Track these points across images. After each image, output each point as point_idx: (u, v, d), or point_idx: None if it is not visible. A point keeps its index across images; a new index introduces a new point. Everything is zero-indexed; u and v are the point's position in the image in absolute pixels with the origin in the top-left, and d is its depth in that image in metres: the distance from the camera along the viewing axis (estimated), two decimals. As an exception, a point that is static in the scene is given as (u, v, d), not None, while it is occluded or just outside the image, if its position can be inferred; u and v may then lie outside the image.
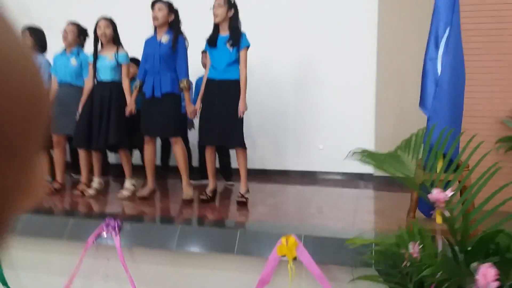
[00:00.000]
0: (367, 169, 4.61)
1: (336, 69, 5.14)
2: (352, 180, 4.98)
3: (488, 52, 3.25)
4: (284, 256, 2.29)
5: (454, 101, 2.34)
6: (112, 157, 5.15)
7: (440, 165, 2.11)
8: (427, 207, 2.45)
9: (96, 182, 3.81)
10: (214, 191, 3.57)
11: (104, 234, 2.58)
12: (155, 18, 3.42)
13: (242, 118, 3.36)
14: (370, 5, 4.99)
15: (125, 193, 3.65)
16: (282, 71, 5.34)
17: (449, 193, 1.50)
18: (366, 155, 2.03)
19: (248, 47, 3.38)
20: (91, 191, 3.70)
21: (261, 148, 5.42)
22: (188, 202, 3.44)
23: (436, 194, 1.50)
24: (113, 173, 4.76)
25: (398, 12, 4.81)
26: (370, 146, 4.92)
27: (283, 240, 2.30)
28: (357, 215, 3.14)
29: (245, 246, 2.47)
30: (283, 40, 5.28)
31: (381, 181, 4.60)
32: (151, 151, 3.58)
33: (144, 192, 3.60)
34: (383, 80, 4.92)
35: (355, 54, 5.08)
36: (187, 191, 3.50)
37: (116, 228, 2.55)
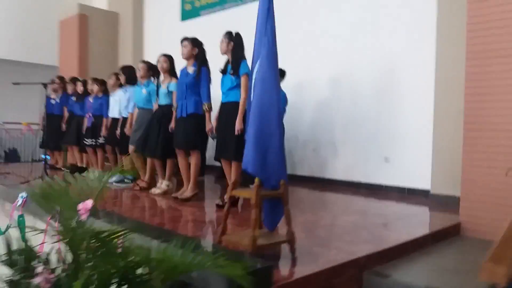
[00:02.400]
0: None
1: (411, 76, 5.25)
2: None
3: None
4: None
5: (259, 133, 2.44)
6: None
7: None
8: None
9: (164, 184, 4.86)
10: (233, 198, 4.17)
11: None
12: (182, 53, 4.31)
13: (239, 135, 3.86)
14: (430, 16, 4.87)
15: (156, 190, 4.66)
16: (363, 80, 5.73)
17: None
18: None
19: (247, 73, 3.88)
20: (158, 190, 4.77)
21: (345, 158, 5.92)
22: (185, 201, 4.23)
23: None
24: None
25: (456, 22, 4.51)
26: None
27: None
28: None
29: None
30: (363, 50, 5.70)
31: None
32: (181, 161, 4.43)
33: (183, 194, 4.45)
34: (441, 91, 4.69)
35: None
36: (187, 192, 4.26)
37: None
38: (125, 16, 9.70)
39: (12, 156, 10.10)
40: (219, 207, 4.01)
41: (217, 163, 5.87)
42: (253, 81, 2.55)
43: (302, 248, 2.62)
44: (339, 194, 5.42)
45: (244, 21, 7.21)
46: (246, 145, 2.53)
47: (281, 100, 5.16)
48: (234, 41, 4.01)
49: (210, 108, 4.26)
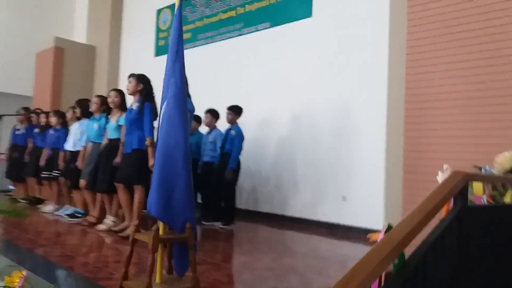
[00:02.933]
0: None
1: (368, 118, 5.30)
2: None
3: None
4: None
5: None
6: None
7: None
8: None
9: (110, 219, 4.75)
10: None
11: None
12: (127, 89, 4.33)
13: None
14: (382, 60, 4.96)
15: (101, 226, 4.61)
16: (321, 120, 5.83)
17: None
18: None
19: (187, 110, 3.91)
20: (103, 226, 4.67)
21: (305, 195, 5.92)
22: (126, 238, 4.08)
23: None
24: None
25: (424, 64, 4.60)
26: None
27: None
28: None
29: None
30: (321, 91, 5.83)
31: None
32: (121, 196, 4.35)
33: (125, 231, 4.34)
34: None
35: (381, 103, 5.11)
36: (129, 229, 4.13)
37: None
38: (102, 49, 9.84)
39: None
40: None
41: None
42: (160, 121, 2.53)
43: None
44: (297, 232, 5.34)
45: (215, 56, 7.42)
46: (151, 186, 2.47)
47: (237, 136, 5.24)
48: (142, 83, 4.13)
49: (152, 143, 4.22)
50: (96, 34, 10.04)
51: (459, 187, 1.78)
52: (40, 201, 6.45)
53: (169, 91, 2.50)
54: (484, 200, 2.24)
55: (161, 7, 8.82)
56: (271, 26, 6.62)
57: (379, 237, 1.56)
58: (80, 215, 5.29)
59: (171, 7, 8.54)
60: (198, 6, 7.94)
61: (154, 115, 4.29)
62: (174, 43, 2.56)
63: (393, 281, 1.40)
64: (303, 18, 6.17)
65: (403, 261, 1.44)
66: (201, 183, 5.70)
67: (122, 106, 4.77)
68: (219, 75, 7.36)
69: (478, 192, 2.26)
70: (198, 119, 6.19)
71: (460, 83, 3.70)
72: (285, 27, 6.42)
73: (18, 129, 7.22)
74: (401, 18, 4.31)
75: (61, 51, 9.44)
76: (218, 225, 5.26)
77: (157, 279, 2.43)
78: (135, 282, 2.43)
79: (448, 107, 3.68)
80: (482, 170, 2.40)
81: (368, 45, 5.31)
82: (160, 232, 2.46)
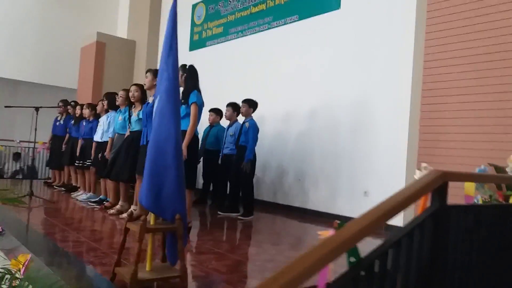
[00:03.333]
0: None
1: (387, 112, 5.14)
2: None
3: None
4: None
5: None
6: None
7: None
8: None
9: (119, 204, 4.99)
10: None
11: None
12: (144, 84, 4.43)
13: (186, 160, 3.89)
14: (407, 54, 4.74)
15: (112, 211, 4.84)
16: (341, 114, 5.71)
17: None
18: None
19: (195, 102, 3.99)
20: (112, 210, 4.91)
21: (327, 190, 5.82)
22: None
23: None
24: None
25: (442, 58, 4.38)
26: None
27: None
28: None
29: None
30: (342, 84, 5.72)
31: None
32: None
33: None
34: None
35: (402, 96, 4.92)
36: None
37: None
38: (141, 44, 10.16)
39: (30, 172, 10.61)
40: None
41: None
42: (153, 115, 2.57)
43: (205, 283, 2.54)
44: (315, 225, 5.27)
45: (244, 50, 7.44)
46: (143, 178, 2.53)
47: (251, 128, 5.24)
48: (186, 72, 4.09)
49: None
50: (136, 29, 10.38)
51: (433, 186, 1.67)
52: (75, 189, 6.80)
53: (161, 86, 2.54)
54: (478, 200, 2.09)
55: (196, 1, 8.95)
56: (300, 19, 6.51)
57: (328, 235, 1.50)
58: (105, 202, 5.53)
59: (206, 1, 8.66)
60: (230, 0, 7.97)
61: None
62: (167, 38, 2.60)
63: (344, 278, 1.34)
64: (332, 10, 6.02)
65: (358, 259, 1.37)
66: (220, 174, 5.82)
67: (142, 100, 4.90)
68: (247, 69, 7.37)
69: (469, 192, 2.11)
70: (219, 112, 6.28)
71: (477, 77, 3.46)
72: (313, 19, 6.29)
73: (58, 120, 7.65)
74: (422, 12, 4.09)
75: (103, 46, 9.85)
76: (235, 215, 5.31)
77: (147, 267, 2.48)
78: (126, 268, 2.50)
79: (465, 102, 3.46)
80: (477, 169, 2.23)
81: (394, 39, 5.08)
82: (151, 222, 2.52)
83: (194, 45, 8.88)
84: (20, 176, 10.45)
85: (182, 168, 2.51)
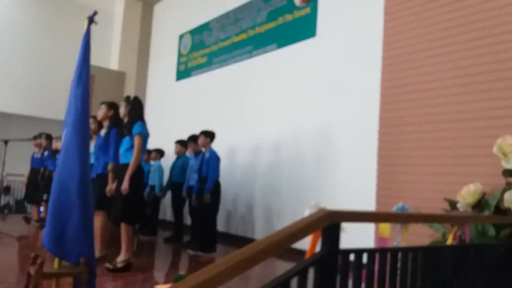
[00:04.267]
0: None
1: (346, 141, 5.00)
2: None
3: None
4: None
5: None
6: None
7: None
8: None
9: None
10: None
11: None
12: (97, 115, 4.24)
13: (127, 196, 3.66)
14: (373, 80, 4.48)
15: None
16: (306, 145, 5.53)
17: None
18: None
19: (139, 133, 3.86)
20: None
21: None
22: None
23: None
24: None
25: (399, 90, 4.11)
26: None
27: None
28: None
29: None
30: (310, 114, 5.57)
31: None
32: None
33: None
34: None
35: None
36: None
37: None
38: (131, 75, 10.13)
39: (18, 207, 10.41)
40: (109, 270, 3.77)
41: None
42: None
43: None
44: (277, 260, 4.86)
45: (227, 80, 7.28)
46: (46, 217, 2.28)
47: (212, 158, 5.00)
48: (130, 104, 3.96)
49: (113, 169, 4.08)
50: (126, 60, 10.39)
51: (315, 228, 1.38)
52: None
53: (69, 118, 2.31)
54: (399, 243, 1.76)
55: (182, 32, 8.91)
56: (278, 47, 6.34)
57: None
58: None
59: (192, 31, 8.60)
60: (214, 30, 7.89)
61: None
62: (78, 68, 2.43)
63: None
64: (307, 38, 5.83)
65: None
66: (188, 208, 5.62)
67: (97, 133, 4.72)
68: (229, 98, 7.19)
69: (384, 234, 1.78)
70: (184, 143, 6.12)
71: (434, 105, 3.17)
72: (290, 48, 6.11)
73: (36, 153, 7.50)
74: (379, 38, 3.86)
75: (92, 78, 9.78)
76: (193, 253, 4.99)
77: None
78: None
79: (422, 132, 3.16)
80: (395, 207, 1.90)
81: (361, 68, 4.86)
82: (55, 265, 2.25)
83: (180, 75, 8.79)
84: (6, 211, 10.25)
85: (88, 208, 2.26)
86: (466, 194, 2.97)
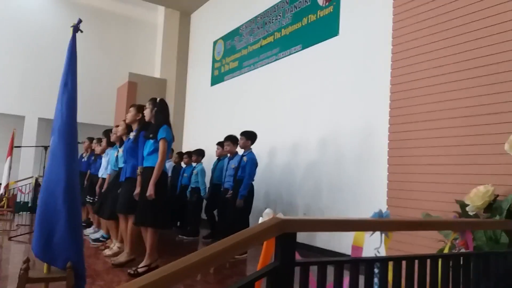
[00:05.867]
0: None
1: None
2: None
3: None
4: None
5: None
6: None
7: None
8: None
9: (116, 245, 4.90)
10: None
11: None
12: (126, 118, 4.44)
13: (154, 200, 3.79)
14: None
15: (107, 252, 4.74)
16: (345, 145, 5.38)
17: None
18: None
19: (164, 138, 3.91)
20: (109, 252, 4.83)
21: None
22: (117, 266, 4.16)
23: None
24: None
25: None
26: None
27: None
28: None
29: None
30: (343, 112, 5.45)
31: None
32: (120, 224, 4.42)
33: (118, 258, 4.42)
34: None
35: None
36: (121, 257, 4.15)
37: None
38: (171, 82, 10.51)
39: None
40: (131, 275, 3.88)
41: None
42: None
43: None
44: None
45: (256, 83, 7.35)
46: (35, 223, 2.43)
47: (249, 162, 5.01)
48: (157, 106, 4.03)
49: (142, 172, 4.23)
50: (167, 68, 10.79)
51: (266, 237, 1.36)
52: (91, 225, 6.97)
53: (56, 124, 2.45)
54: (379, 252, 1.70)
55: (216, 38, 9.11)
56: (303, 48, 6.31)
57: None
58: (103, 239, 5.55)
59: (224, 37, 8.78)
60: (244, 34, 8.00)
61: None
62: (64, 75, 2.54)
63: None
64: (331, 37, 5.75)
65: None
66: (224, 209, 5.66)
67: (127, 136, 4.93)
68: (259, 100, 7.24)
69: (358, 243, 1.72)
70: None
71: (444, 100, 3.00)
72: (315, 48, 6.05)
73: (83, 157, 8.01)
74: (388, 34, 3.72)
75: (135, 85, 10.32)
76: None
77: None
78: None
79: (432, 129, 3.01)
80: (372, 213, 1.83)
81: (380, 63, 4.68)
82: (44, 270, 2.40)
83: (215, 80, 8.98)
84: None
85: (75, 214, 2.36)
86: (475, 196, 2.77)
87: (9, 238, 5.80)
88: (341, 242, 5.14)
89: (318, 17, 6.03)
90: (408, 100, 3.30)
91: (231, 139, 5.63)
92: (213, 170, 6.50)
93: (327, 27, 5.80)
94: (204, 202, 6.71)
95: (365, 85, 5.06)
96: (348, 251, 5.38)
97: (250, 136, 5.32)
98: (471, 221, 2.19)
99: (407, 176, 3.22)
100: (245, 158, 5.18)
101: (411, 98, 3.26)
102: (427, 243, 3.00)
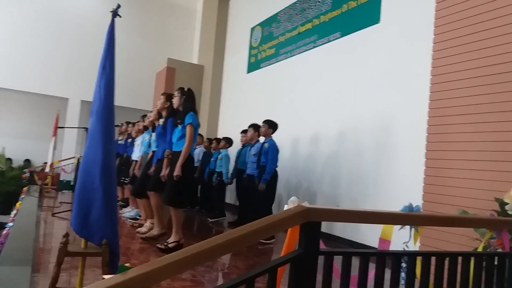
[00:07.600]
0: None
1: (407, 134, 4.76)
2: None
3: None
4: None
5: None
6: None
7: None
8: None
9: (149, 222, 5.08)
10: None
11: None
12: (156, 105, 4.56)
13: (178, 181, 3.92)
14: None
15: (142, 229, 4.90)
16: (366, 136, 5.40)
17: None
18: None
19: (190, 123, 4.05)
20: (143, 229, 5.02)
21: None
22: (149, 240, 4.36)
23: None
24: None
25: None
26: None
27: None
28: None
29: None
30: (369, 104, 5.42)
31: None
32: (152, 201, 4.58)
33: (151, 232, 4.62)
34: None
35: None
36: (154, 231, 4.40)
37: None
38: (208, 68, 10.60)
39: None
40: (161, 250, 4.06)
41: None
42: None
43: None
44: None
45: (292, 70, 7.29)
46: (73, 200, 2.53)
47: (271, 148, 5.07)
48: (185, 95, 4.16)
49: (168, 155, 4.35)
50: (205, 54, 10.89)
51: (289, 224, 1.37)
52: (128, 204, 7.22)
53: (94, 107, 2.52)
54: (408, 247, 1.66)
55: (254, 24, 9.07)
56: (342, 35, 6.16)
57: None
58: (139, 217, 5.76)
59: (262, 24, 8.72)
60: (282, 21, 7.91)
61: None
62: (102, 58, 2.58)
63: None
64: (371, 24, 5.58)
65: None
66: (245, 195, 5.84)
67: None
68: (294, 89, 7.18)
69: (386, 236, 1.69)
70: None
71: (483, 93, 2.84)
72: (354, 36, 5.90)
73: (120, 140, 8.29)
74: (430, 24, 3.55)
75: (173, 71, 10.50)
76: None
77: (77, 288, 2.47)
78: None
79: (471, 123, 2.87)
80: (402, 207, 1.78)
81: (420, 54, 4.51)
82: (82, 245, 2.51)
83: (251, 67, 8.98)
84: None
85: (111, 193, 2.45)
86: (515, 195, 2.66)
87: (53, 214, 6.11)
88: (358, 232, 5.10)
89: (358, 3, 5.86)
90: (448, 92, 3.17)
91: (253, 126, 5.83)
92: (237, 156, 6.65)
93: (368, 14, 5.64)
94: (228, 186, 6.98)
95: (403, 75, 4.89)
96: (363, 240, 5.42)
97: (272, 125, 5.47)
98: (507, 220, 2.08)
99: (444, 171, 3.11)
100: (266, 145, 5.31)
101: (450, 90, 3.13)
102: (463, 241, 2.90)
